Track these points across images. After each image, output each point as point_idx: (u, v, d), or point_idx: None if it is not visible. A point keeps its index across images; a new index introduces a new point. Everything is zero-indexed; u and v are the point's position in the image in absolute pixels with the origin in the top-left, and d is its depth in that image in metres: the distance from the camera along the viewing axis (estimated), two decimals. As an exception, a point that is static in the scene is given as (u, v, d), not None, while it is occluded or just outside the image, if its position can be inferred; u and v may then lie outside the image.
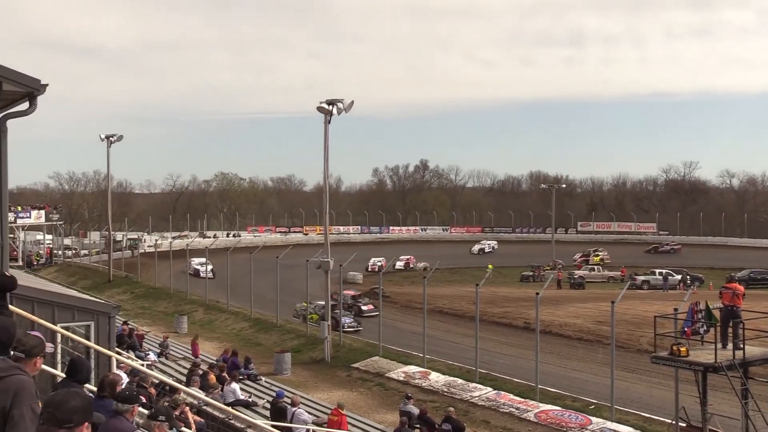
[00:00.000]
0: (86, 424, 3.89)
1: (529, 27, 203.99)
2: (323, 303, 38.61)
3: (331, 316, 37.34)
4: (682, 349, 21.57)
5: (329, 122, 35.36)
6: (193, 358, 30.71)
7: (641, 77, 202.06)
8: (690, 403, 22.79)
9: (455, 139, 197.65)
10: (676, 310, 23.26)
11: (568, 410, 26.10)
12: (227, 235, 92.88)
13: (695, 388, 22.10)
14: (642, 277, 66.48)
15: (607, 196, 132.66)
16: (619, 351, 30.68)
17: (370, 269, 68.94)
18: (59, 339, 12.47)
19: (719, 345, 21.31)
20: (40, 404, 5.03)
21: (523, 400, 27.37)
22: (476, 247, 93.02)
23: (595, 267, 73.56)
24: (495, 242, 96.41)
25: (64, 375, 9.20)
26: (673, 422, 23.17)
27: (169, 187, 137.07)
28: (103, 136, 61.52)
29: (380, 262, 70.31)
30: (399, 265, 75.62)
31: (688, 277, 66.14)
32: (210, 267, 56.48)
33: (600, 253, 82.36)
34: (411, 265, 76.39)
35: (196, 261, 61.67)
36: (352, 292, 50.94)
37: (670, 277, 66.33)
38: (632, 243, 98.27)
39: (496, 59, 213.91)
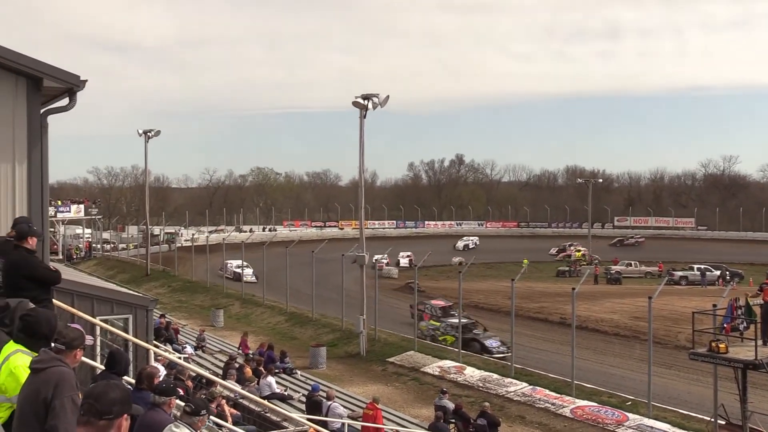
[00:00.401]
0: (125, 415, 3.94)
1: (564, 21, 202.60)
2: (454, 321, 36.65)
3: (474, 338, 35.94)
4: (721, 345, 21.31)
5: (365, 117, 35.38)
6: (239, 352, 30.80)
7: (679, 70, 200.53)
8: (729, 401, 22.52)
9: (491, 133, 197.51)
10: (714, 306, 23.00)
11: (605, 406, 25.91)
12: (263, 230, 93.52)
13: (734, 385, 21.83)
14: (680, 273, 65.72)
15: (645, 191, 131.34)
16: (657, 347, 30.37)
17: (395, 264, 68.65)
18: (98, 331, 12.63)
19: (759, 342, 21.05)
20: (80, 396, 5.11)
21: (558, 395, 27.22)
22: (460, 243, 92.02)
23: (632, 263, 72.77)
24: (476, 238, 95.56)
25: (103, 367, 9.32)
26: (712, 420, 22.92)
27: (205, 181, 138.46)
28: (140, 131, 62.13)
29: (407, 255, 70.25)
30: (403, 262, 71.39)
31: (727, 272, 65.25)
32: (251, 270, 56.62)
33: (581, 249, 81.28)
34: (413, 263, 74.52)
35: (233, 264, 58.47)
36: (441, 303, 42.00)
37: (708, 273, 65.52)
38: (670, 238, 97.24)
39: (532, 53, 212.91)
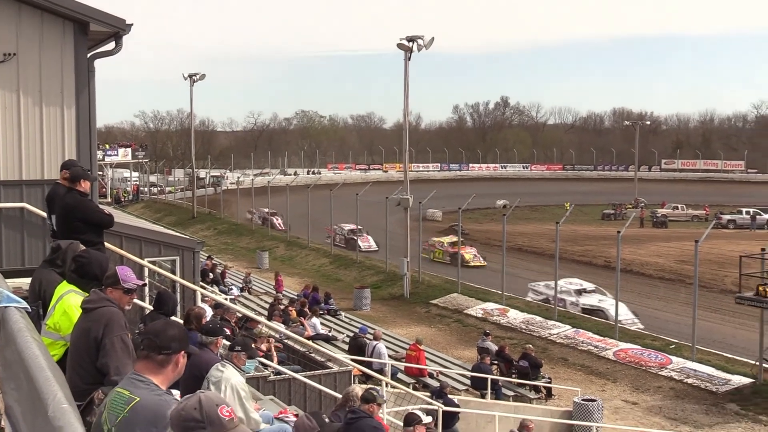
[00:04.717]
0: (182, 352, 4.10)
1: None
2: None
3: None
4: (769, 289, 21.17)
5: (409, 59, 35.19)
6: (274, 292, 31.43)
7: (729, 10, 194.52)
8: (775, 345, 22.43)
9: (537, 75, 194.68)
10: (763, 249, 22.77)
11: (648, 349, 25.89)
12: (307, 173, 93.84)
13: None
14: (728, 216, 64.71)
15: (693, 134, 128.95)
16: (702, 291, 30.15)
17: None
18: (146, 273, 12.89)
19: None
20: (129, 335, 5.27)
21: (601, 338, 27.25)
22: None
23: (678, 206, 71.73)
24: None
25: (151, 307, 9.54)
26: (757, 363, 22.83)
27: (250, 125, 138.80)
28: (186, 75, 62.32)
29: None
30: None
31: (777, 215, 64.16)
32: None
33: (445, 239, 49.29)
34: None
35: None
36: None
37: (758, 216, 64.44)
38: (718, 181, 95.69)
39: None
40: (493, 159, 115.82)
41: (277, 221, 56.58)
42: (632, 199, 76.20)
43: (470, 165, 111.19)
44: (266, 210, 57.75)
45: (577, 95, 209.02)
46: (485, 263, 43.18)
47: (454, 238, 43.85)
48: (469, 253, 43.72)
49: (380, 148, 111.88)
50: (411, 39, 34.61)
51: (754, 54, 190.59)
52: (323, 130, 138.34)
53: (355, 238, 46.01)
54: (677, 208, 71.37)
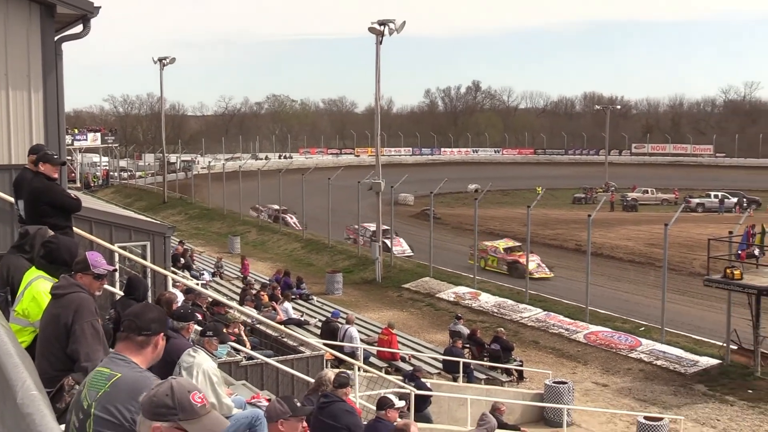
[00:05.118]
0: (162, 334, 4.10)
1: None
2: None
3: None
4: (736, 272, 21.43)
5: (381, 43, 35.09)
6: (242, 275, 31.49)
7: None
8: (742, 326, 22.74)
9: (508, 59, 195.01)
10: (731, 233, 23.03)
11: (618, 332, 26.15)
12: (279, 157, 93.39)
13: (748, 312, 22.01)
14: (697, 200, 65.39)
15: (663, 118, 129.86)
16: (671, 273, 30.48)
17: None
18: (117, 258, 12.80)
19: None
20: (99, 321, 5.23)
21: (572, 321, 27.48)
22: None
23: (648, 190, 72.38)
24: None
25: (122, 293, 9.48)
26: (725, 344, 23.14)
27: (221, 109, 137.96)
28: (156, 59, 61.70)
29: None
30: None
31: (744, 200, 64.90)
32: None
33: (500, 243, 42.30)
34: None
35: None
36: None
37: (726, 200, 65.22)
38: (687, 165, 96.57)
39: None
40: (464, 143, 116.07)
41: (292, 219, 50.27)
42: (603, 183, 76.72)
43: (442, 149, 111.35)
44: (276, 207, 51.33)
45: (549, 80, 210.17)
46: (551, 274, 36.39)
47: (510, 243, 39.13)
48: (532, 261, 34.98)
49: (352, 133, 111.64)
50: (382, 23, 34.51)
51: (722, 39, 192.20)
52: (295, 114, 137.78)
53: (385, 241, 38.93)
54: (647, 191, 72.00)
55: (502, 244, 39.86)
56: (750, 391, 20.97)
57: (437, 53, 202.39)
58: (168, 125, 79.71)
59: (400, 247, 41.57)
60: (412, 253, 40.72)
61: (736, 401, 20.47)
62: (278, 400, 5.60)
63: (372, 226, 41.32)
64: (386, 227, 39.70)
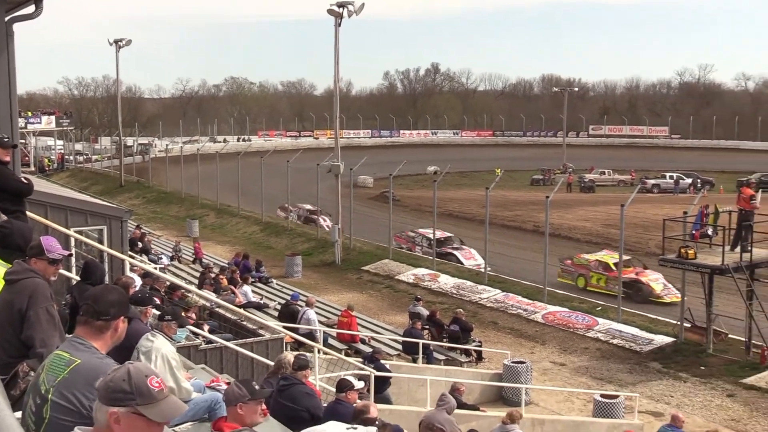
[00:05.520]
0: (122, 318, 4.06)
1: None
2: None
3: None
4: (690, 251, 21.80)
5: (339, 25, 34.94)
6: (197, 258, 31.44)
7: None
8: (696, 305, 23.17)
9: (467, 42, 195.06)
10: (685, 213, 23.37)
11: (575, 311, 26.49)
12: (238, 140, 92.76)
13: (701, 290, 22.41)
14: (652, 181, 66.34)
15: (620, 100, 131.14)
16: (628, 254, 30.88)
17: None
18: (73, 243, 12.65)
19: (727, 248, 21.53)
20: (55, 307, 5.19)
21: (531, 301, 27.75)
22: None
23: (605, 171, 73.17)
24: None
25: (78, 278, 9.39)
26: (678, 323, 23.58)
27: (179, 92, 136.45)
28: (111, 41, 60.78)
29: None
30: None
31: (698, 180, 65.95)
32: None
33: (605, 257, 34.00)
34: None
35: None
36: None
37: (681, 181, 66.22)
38: (644, 147, 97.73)
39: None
40: (423, 125, 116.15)
41: (326, 222, 42.22)
42: (561, 164, 77.34)
43: (401, 131, 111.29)
44: (309, 207, 45.55)
45: (507, 62, 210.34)
46: (679, 297, 25.93)
47: (616, 256, 28.85)
48: (656, 281, 29.52)
49: (311, 115, 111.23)
50: (341, 4, 34.35)
51: (678, 22, 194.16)
52: (253, 96, 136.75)
53: (450, 250, 34.95)
54: (604, 173, 72.80)
55: (607, 257, 31.05)
56: (702, 368, 21.41)
57: (396, 35, 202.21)
58: (124, 108, 78.58)
59: (474, 260, 34.12)
60: (486, 266, 32.38)
61: (689, 378, 20.89)
62: (237, 383, 5.60)
63: (429, 232, 35.42)
64: (448, 234, 36.11)
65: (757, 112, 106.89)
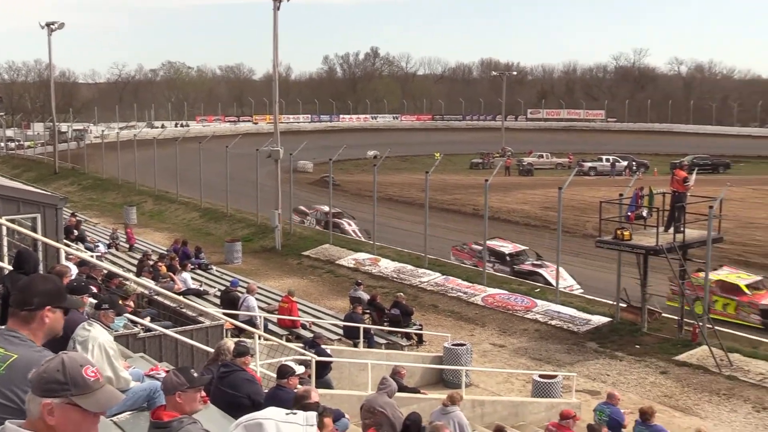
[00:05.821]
0: (48, 308, 3.96)
1: None
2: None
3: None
4: (626, 233, 22.21)
5: (278, 9, 34.69)
6: (131, 245, 31.12)
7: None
8: (631, 285, 23.63)
9: (406, 26, 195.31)
10: (621, 195, 23.79)
11: (514, 294, 26.81)
12: (175, 125, 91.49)
13: (637, 271, 22.87)
14: (589, 164, 67.35)
15: (558, 84, 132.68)
16: (566, 236, 31.31)
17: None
18: (5, 232, 12.40)
19: (661, 229, 22.00)
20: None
21: (470, 284, 28.00)
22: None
23: (543, 154, 74.09)
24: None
25: (11, 267, 9.21)
26: (615, 303, 24.05)
27: (114, 76, 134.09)
28: (43, 24, 59.33)
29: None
30: None
31: (633, 163, 67.14)
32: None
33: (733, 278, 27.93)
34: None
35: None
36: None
37: (617, 164, 67.40)
38: (581, 130, 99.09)
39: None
40: (363, 110, 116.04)
41: (350, 227, 39.24)
42: (499, 148, 78.04)
43: (341, 116, 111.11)
44: (325, 209, 40.06)
45: (446, 46, 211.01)
46: None
47: (743, 275, 25.87)
48: None
49: (250, 100, 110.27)
50: (279, -12, 34.13)
51: (614, 6, 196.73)
52: (191, 81, 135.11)
53: (540, 272, 29.59)
54: (542, 156, 73.71)
55: (732, 277, 25.68)
56: (637, 347, 21.90)
57: (336, 19, 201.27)
58: (58, 93, 77.02)
59: (565, 281, 28.07)
60: (581, 289, 28.23)
61: (624, 356, 21.36)
62: (175, 372, 5.56)
63: (485, 243, 29.64)
64: (524, 247, 32.29)
65: (689, 96, 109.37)
